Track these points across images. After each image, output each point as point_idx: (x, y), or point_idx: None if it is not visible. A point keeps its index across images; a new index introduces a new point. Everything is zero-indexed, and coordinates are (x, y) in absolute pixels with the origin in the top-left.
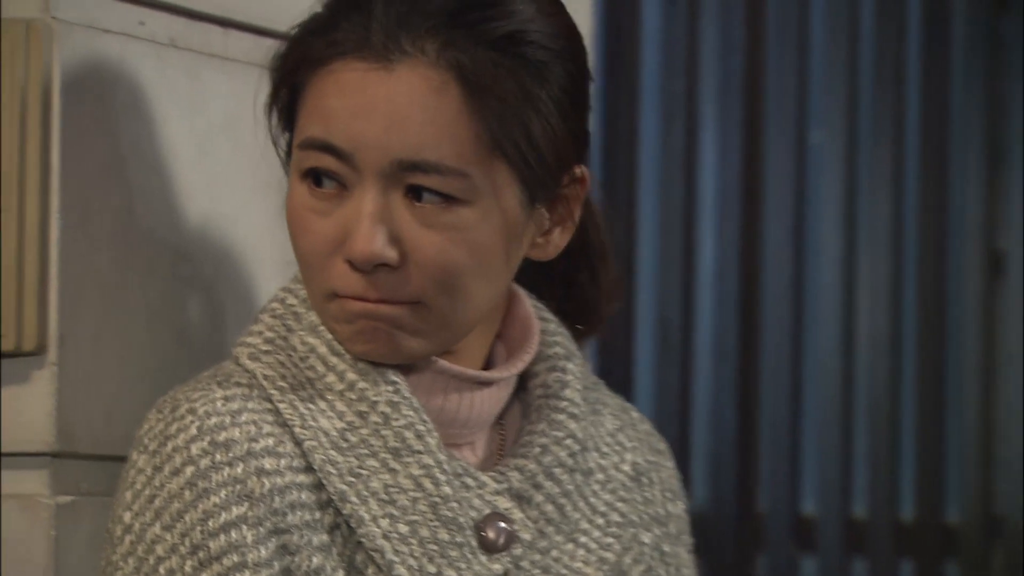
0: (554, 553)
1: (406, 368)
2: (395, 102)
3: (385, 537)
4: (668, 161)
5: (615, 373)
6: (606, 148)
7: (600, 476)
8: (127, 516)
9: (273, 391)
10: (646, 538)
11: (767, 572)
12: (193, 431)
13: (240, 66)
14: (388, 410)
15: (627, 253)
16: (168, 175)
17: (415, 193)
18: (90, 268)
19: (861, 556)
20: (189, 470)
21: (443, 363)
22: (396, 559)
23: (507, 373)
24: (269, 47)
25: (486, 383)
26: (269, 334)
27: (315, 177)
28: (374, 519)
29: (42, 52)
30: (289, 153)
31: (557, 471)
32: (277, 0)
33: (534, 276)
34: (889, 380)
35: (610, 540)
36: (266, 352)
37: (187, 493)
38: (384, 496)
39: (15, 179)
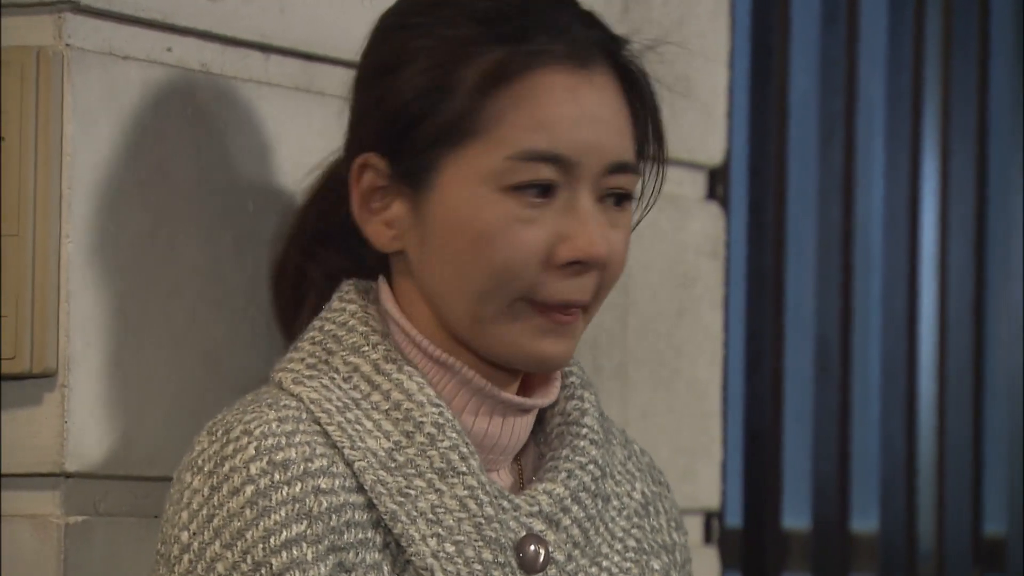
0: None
1: (455, 391)
2: (602, 107)
3: (434, 556)
4: (825, 179)
5: (762, 395)
6: (752, 167)
7: (616, 503)
8: (184, 536)
9: (321, 414)
10: (656, 565)
11: None
12: (251, 451)
13: (281, 91)
14: (434, 431)
15: (775, 272)
16: (198, 199)
17: (611, 197)
18: (107, 291)
19: None
20: (249, 489)
21: (494, 388)
22: None
23: (545, 401)
24: (314, 72)
25: (525, 410)
26: (310, 360)
27: (531, 188)
28: (423, 538)
29: (51, 79)
30: (419, 166)
31: (583, 495)
32: (320, 24)
33: None
34: None
35: (629, 565)
36: (309, 377)
37: (248, 512)
38: (431, 516)
39: (29, 205)
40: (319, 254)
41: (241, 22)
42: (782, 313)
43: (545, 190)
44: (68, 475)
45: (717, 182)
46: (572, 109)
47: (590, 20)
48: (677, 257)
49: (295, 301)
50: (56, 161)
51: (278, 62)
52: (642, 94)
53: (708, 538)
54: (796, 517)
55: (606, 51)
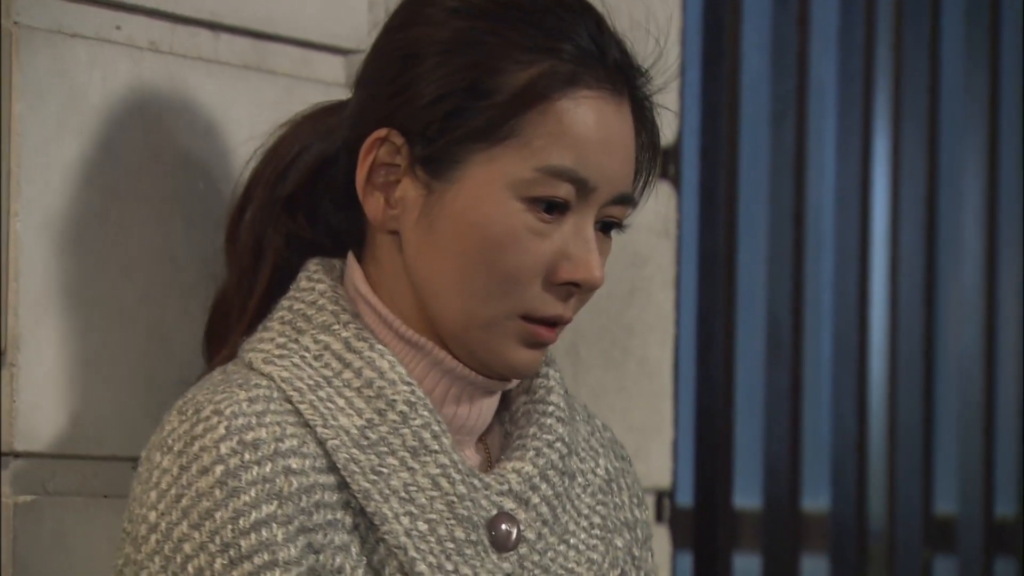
0: (550, 554)
1: (425, 371)
2: (623, 137)
3: (407, 535)
4: (777, 160)
5: (713, 375)
6: (704, 147)
7: (581, 480)
8: (152, 515)
9: (292, 392)
10: (619, 542)
11: (902, 573)
12: (221, 431)
13: (231, 69)
14: (406, 409)
15: (727, 252)
16: (148, 178)
17: (605, 225)
18: (56, 270)
19: (1004, 556)
20: (219, 469)
21: (465, 368)
22: (417, 556)
23: (513, 382)
24: (264, 50)
25: (492, 391)
26: (280, 339)
27: (545, 203)
28: (396, 517)
29: None
30: (443, 156)
31: (551, 473)
32: (269, 3)
33: None
34: None
35: (595, 542)
36: (280, 356)
37: (217, 492)
38: (404, 494)
39: None
40: (282, 219)
41: (190, 0)
42: (734, 293)
43: (556, 208)
44: (17, 455)
45: (669, 162)
46: (601, 135)
47: (624, 47)
48: (628, 236)
49: (253, 259)
50: (4, 139)
51: (228, 40)
52: (649, 128)
53: (659, 517)
54: (747, 496)
55: (632, 82)
